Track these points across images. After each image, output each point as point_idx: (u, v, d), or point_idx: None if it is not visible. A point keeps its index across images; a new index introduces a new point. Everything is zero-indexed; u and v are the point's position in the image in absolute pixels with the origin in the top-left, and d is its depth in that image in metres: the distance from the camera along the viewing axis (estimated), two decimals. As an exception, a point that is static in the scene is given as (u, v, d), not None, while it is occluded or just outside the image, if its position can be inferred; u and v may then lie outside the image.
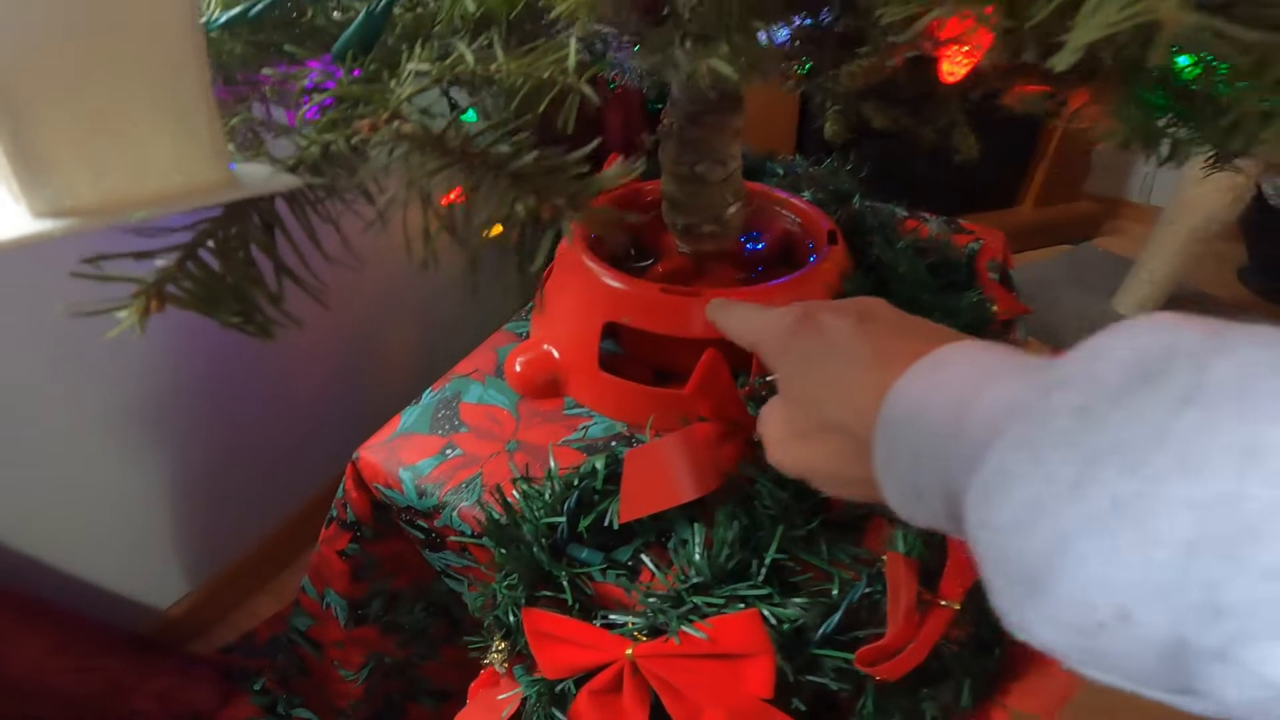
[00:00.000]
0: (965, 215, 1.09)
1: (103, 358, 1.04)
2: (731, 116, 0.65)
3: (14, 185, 0.22)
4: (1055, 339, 1.94)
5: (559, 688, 0.56)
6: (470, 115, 0.39)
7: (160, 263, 0.27)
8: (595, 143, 0.29)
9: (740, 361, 0.62)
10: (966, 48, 0.38)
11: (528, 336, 0.74)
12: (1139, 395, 0.21)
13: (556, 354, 0.69)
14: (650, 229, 0.77)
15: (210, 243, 0.27)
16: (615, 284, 0.63)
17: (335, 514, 0.76)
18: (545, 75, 0.33)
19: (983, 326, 0.76)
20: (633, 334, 0.65)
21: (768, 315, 0.43)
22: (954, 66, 0.41)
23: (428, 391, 0.75)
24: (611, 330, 0.67)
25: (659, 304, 0.61)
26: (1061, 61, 0.22)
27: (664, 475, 0.53)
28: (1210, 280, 2.16)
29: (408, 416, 0.72)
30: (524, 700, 0.61)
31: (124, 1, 0.21)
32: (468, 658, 0.80)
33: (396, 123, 0.30)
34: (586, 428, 0.68)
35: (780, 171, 1.00)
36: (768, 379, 0.60)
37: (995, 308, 0.79)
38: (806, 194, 0.90)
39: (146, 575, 1.22)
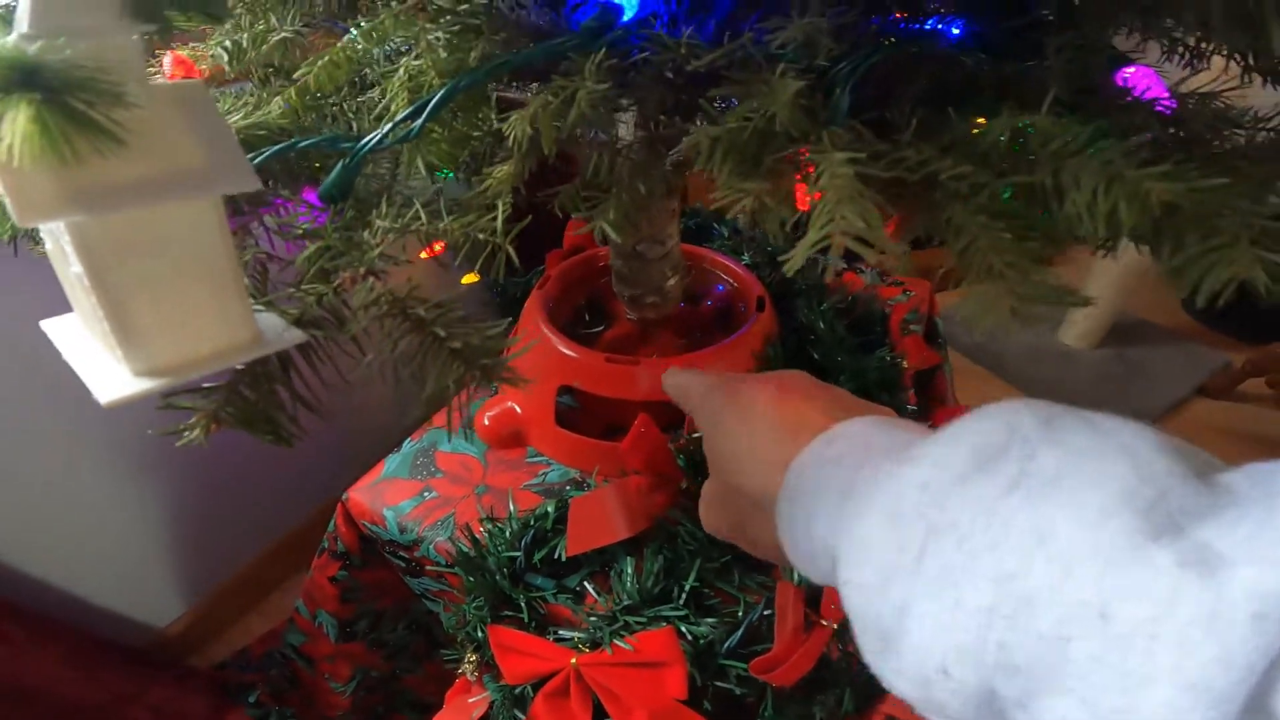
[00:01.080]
0: (916, 251, 1.22)
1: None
2: (667, 202, 0.78)
3: (118, 352, 0.34)
4: (1003, 370, 2.08)
5: (519, 691, 0.68)
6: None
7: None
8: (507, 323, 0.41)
9: (677, 418, 0.75)
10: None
11: (494, 394, 0.86)
12: (976, 478, 0.25)
13: (519, 410, 0.82)
14: (606, 293, 0.90)
15: (246, 381, 0.39)
16: (568, 352, 0.75)
17: (327, 545, 0.88)
18: (480, 236, 0.45)
19: (893, 382, 0.88)
20: (585, 393, 0.78)
21: (700, 383, 0.45)
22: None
23: (408, 441, 0.87)
24: (567, 389, 0.80)
25: (605, 371, 0.73)
26: (790, 267, 0.34)
27: (603, 518, 0.66)
28: (1154, 308, 2.30)
29: (390, 463, 0.84)
30: (491, 704, 0.73)
31: (182, 231, 0.33)
32: (446, 671, 0.91)
33: (370, 279, 0.42)
34: (545, 474, 0.80)
35: (725, 233, 1.13)
36: (695, 435, 0.72)
37: (905, 363, 0.92)
38: (745, 257, 1.03)
39: (146, 595, 1.33)
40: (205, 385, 0.38)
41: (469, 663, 0.75)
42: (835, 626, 0.62)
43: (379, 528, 0.80)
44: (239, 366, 0.38)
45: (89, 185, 0.27)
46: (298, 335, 0.37)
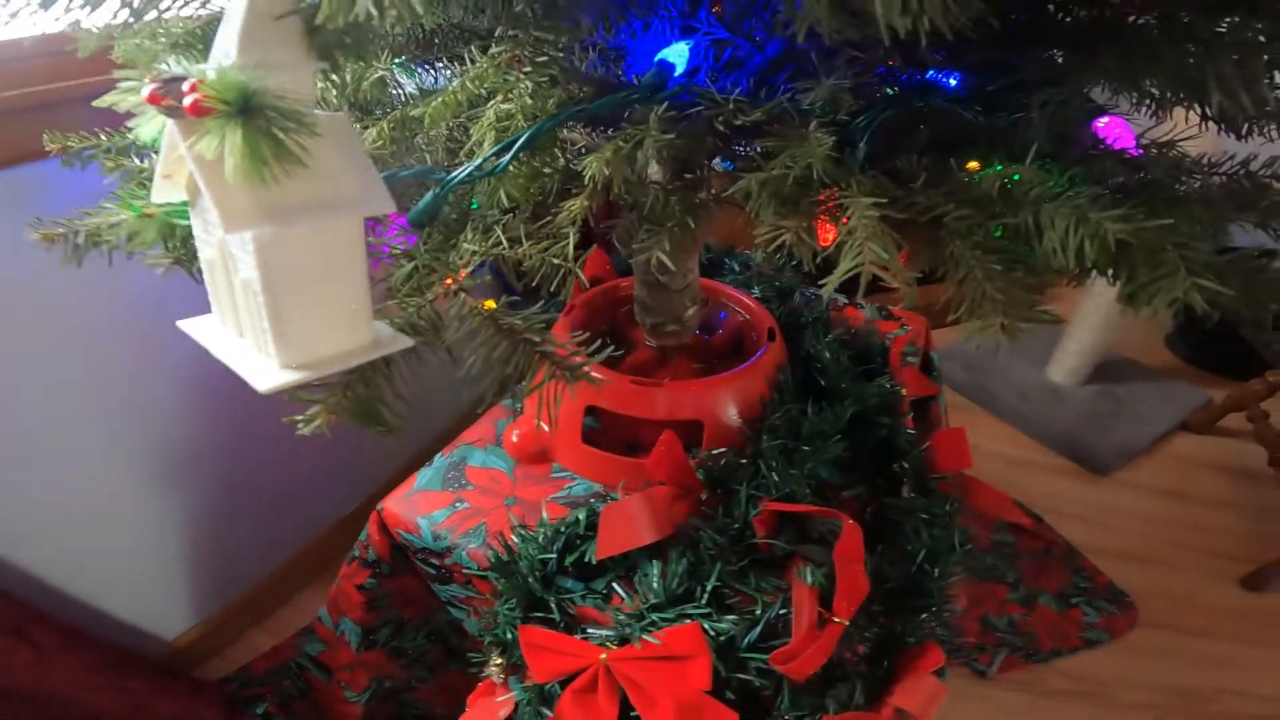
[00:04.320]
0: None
1: (131, 421, 1.21)
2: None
3: (269, 349, 0.41)
4: (995, 405, 2.17)
5: (547, 690, 0.74)
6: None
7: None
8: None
9: (695, 437, 0.83)
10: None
11: (520, 412, 0.93)
12: None
13: (546, 428, 0.89)
14: (625, 321, 0.98)
15: (359, 378, 0.46)
16: (595, 375, 0.83)
17: (358, 554, 0.94)
18: (554, 261, 0.53)
19: (893, 408, 0.96)
20: (609, 413, 0.85)
21: None
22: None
23: (439, 456, 0.94)
24: (591, 410, 0.87)
25: (629, 393, 0.81)
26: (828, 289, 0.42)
27: (631, 523, 0.73)
28: (1139, 347, 2.41)
29: (422, 476, 0.91)
30: (517, 704, 0.79)
31: (332, 247, 0.41)
32: (457, 681, 0.97)
33: (462, 295, 0.50)
34: (570, 488, 0.87)
35: (736, 268, 1.22)
36: (715, 452, 0.80)
37: (904, 391, 1.00)
38: (756, 290, 1.12)
39: (157, 608, 1.38)
40: (320, 383, 0.45)
41: (495, 665, 0.81)
42: (846, 623, 0.69)
43: (413, 535, 0.86)
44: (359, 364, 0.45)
45: (277, 204, 0.35)
46: (406, 341, 0.45)
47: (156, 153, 0.52)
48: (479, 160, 0.48)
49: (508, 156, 0.48)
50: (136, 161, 0.64)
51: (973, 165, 0.50)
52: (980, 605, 1.64)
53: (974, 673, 1.51)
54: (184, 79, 0.33)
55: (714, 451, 0.79)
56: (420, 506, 0.87)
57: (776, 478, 0.75)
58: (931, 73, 0.61)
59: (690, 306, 0.89)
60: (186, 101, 0.32)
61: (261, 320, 0.38)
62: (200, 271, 0.46)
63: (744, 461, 0.78)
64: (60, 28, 0.54)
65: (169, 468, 1.30)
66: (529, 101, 0.48)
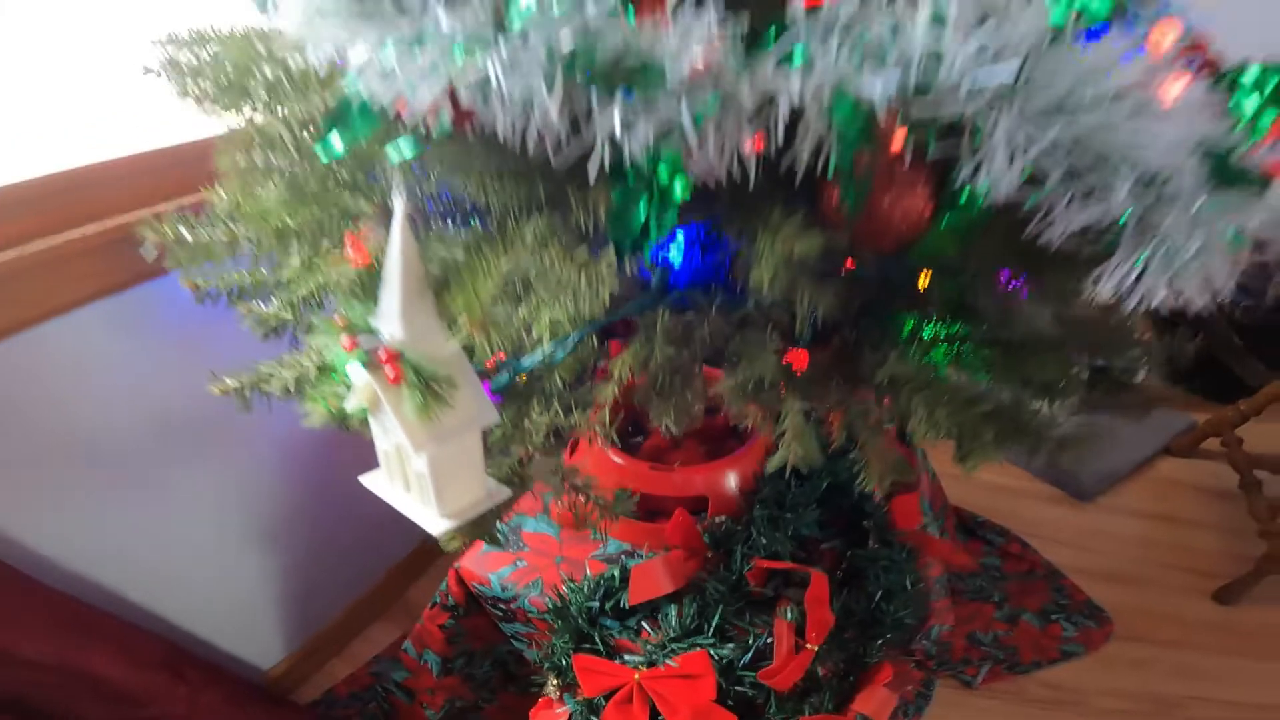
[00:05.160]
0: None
1: (238, 490, 1.50)
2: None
3: (432, 502, 0.68)
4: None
5: (595, 702, 1.01)
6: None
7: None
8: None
9: (702, 506, 1.10)
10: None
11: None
12: None
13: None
14: (641, 412, 1.25)
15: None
16: (619, 461, 1.10)
17: (439, 600, 1.22)
18: (597, 428, 0.80)
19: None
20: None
21: None
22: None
23: (498, 522, 1.21)
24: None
25: (648, 476, 1.08)
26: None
27: (654, 578, 1.00)
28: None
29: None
30: (571, 714, 1.06)
31: (465, 443, 0.68)
32: (514, 703, 1.24)
33: (536, 454, 0.78)
34: (605, 547, 1.14)
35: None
36: (718, 520, 1.07)
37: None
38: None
39: (255, 642, 1.66)
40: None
41: (553, 685, 1.09)
42: (816, 648, 0.95)
43: (485, 587, 1.14)
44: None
45: (438, 430, 0.62)
46: (506, 491, 0.72)
47: (285, 302, 0.80)
48: (540, 355, 0.76)
49: (562, 353, 0.75)
50: (262, 306, 0.90)
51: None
52: (968, 624, 1.88)
53: (961, 683, 1.76)
54: (379, 344, 0.60)
55: (716, 519, 1.06)
56: (489, 565, 1.14)
57: (765, 540, 1.02)
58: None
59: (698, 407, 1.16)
60: (387, 372, 0.59)
61: (427, 490, 0.65)
62: (344, 425, 0.73)
63: (739, 527, 1.05)
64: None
65: (266, 526, 1.58)
66: (570, 313, 0.75)
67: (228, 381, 0.86)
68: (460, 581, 1.17)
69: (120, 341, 1.19)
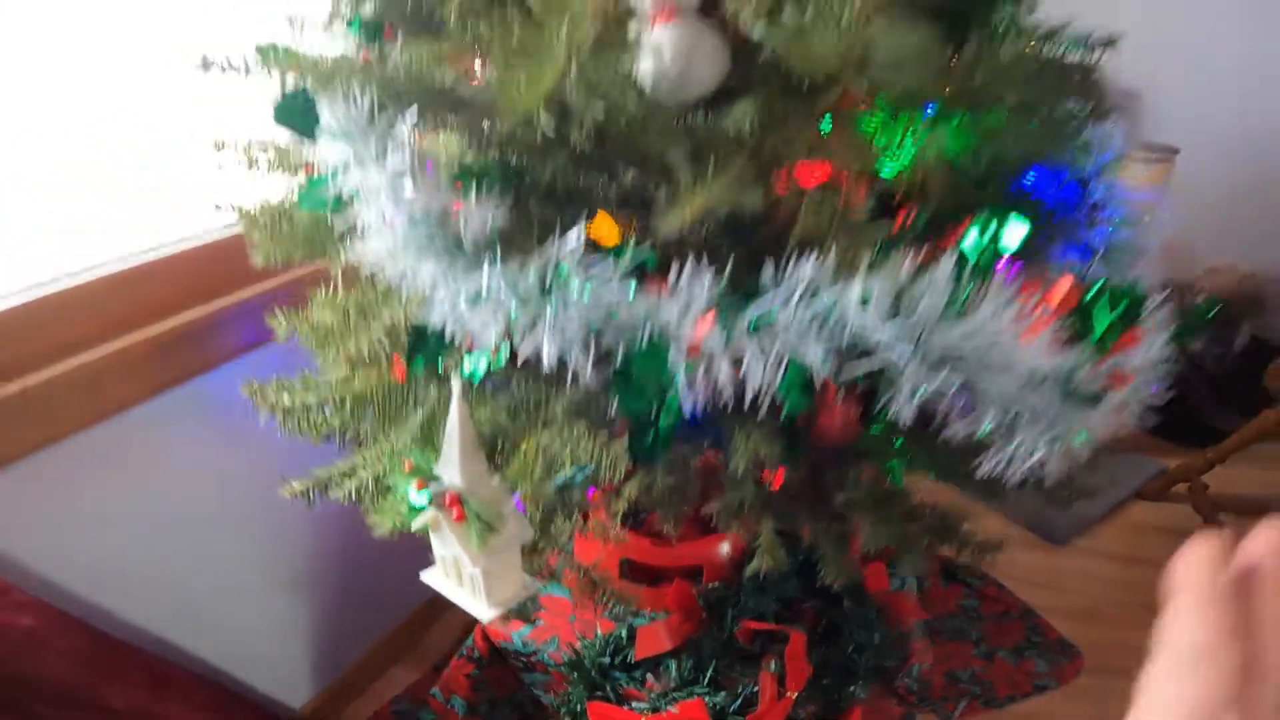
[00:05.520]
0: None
1: (273, 543, 1.67)
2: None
3: (482, 597, 0.85)
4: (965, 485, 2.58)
5: (606, 745, 1.18)
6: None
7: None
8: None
9: (697, 572, 1.27)
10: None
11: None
12: None
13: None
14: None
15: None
16: (624, 537, 1.28)
17: (465, 653, 1.39)
18: (611, 531, 0.98)
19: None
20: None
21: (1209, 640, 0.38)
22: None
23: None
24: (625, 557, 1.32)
25: (650, 549, 1.25)
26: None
27: (656, 637, 1.17)
28: (1099, 422, 2.81)
29: (512, 597, 1.36)
30: (585, 755, 1.23)
31: (507, 552, 0.85)
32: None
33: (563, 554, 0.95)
34: (614, 607, 1.31)
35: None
36: (710, 586, 1.24)
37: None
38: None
39: (288, 682, 1.82)
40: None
41: (569, 728, 1.26)
42: (794, 695, 1.12)
43: (508, 643, 1.31)
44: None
45: (489, 549, 0.80)
46: (538, 585, 0.89)
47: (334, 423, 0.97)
48: (562, 479, 0.93)
49: (581, 476, 0.93)
50: (325, 415, 1.07)
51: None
52: (948, 662, 2.04)
53: (941, 718, 1.92)
54: (444, 488, 0.78)
55: (710, 586, 1.23)
56: (511, 624, 1.32)
57: (752, 604, 1.19)
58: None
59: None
60: (453, 513, 0.77)
61: (479, 588, 0.83)
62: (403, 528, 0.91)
63: (730, 592, 1.22)
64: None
65: (300, 576, 1.75)
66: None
67: (295, 485, 1.04)
68: (485, 637, 1.34)
69: (183, 427, 1.37)
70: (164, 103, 1.27)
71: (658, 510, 0.90)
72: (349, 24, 0.83)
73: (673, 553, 1.25)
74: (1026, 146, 0.67)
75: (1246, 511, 2.30)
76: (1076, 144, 0.77)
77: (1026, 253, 0.67)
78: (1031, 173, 0.77)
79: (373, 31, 0.81)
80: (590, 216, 0.57)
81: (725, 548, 1.27)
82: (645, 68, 0.56)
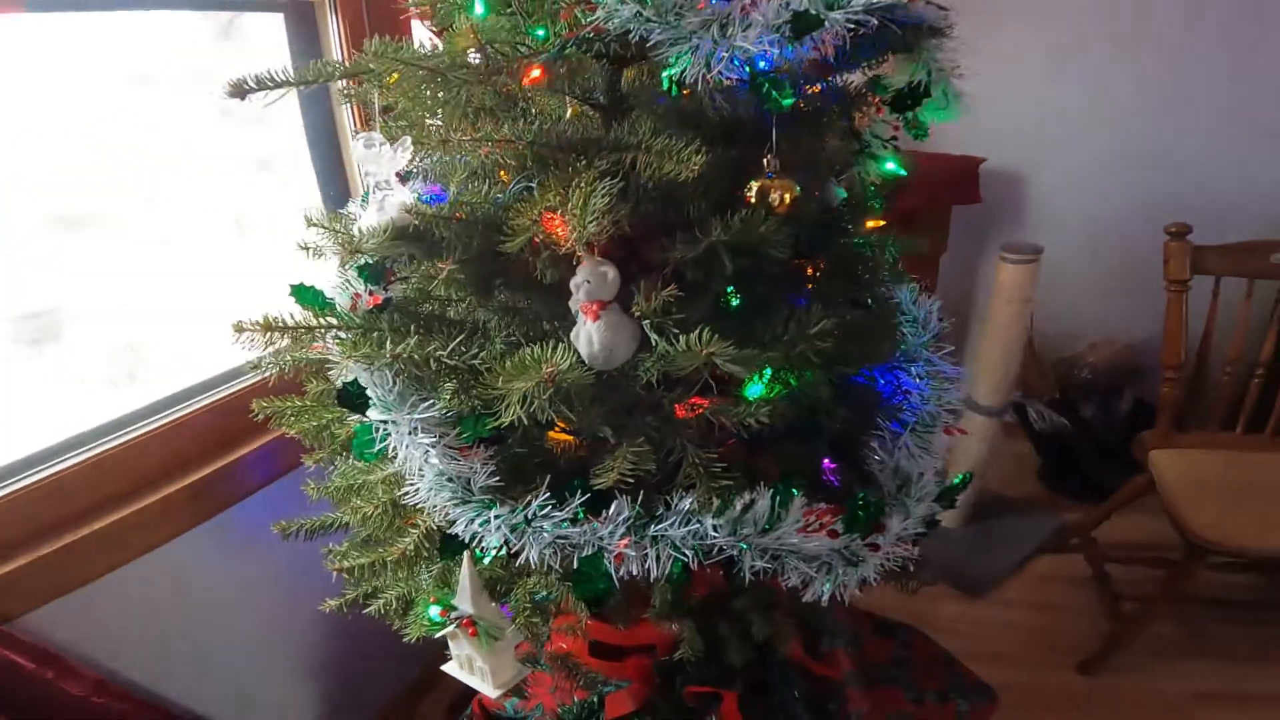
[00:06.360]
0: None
1: (290, 623, 1.96)
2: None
3: (488, 679, 1.17)
4: (896, 541, 2.95)
5: (585, 792, 1.50)
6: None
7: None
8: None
9: (652, 647, 1.60)
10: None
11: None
12: None
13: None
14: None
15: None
16: (586, 630, 1.61)
17: (465, 719, 1.70)
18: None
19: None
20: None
21: None
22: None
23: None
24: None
25: (612, 632, 1.58)
26: None
27: (621, 703, 1.50)
28: (1011, 481, 3.20)
29: (503, 674, 1.68)
30: (568, 802, 1.55)
31: (506, 653, 1.18)
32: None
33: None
34: (587, 680, 1.64)
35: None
36: (663, 660, 1.58)
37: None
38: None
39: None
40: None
41: (554, 780, 1.58)
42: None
43: (503, 712, 1.63)
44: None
45: (494, 650, 1.13)
46: (526, 670, 1.22)
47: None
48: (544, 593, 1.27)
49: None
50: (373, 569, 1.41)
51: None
52: (883, 708, 2.37)
53: (875, 758, 2.25)
54: (461, 615, 1.11)
55: (661, 659, 1.57)
56: (504, 694, 1.63)
57: (695, 672, 1.53)
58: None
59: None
60: (468, 630, 1.10)
61: (486, 675, 1.15)
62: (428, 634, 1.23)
63: (678, 664, 1.55)
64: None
65: (310, 653, 2.05)
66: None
67: (331, 602, 1.37)
68: (482, 707, 1.66)
69: (217, 548, 1.69)
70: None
71: (610, 619, 1.25)
72: (358, 271, 1.15)
73: (632, 634, 1.58)
74: (853, 368, 1.05)
75: (1134, 560, 2.66)
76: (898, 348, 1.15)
77: (858, 431, 1.05)
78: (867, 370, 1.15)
79: (376, 276, 1.13)
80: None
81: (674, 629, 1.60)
82: (582, 351, 0.92)
